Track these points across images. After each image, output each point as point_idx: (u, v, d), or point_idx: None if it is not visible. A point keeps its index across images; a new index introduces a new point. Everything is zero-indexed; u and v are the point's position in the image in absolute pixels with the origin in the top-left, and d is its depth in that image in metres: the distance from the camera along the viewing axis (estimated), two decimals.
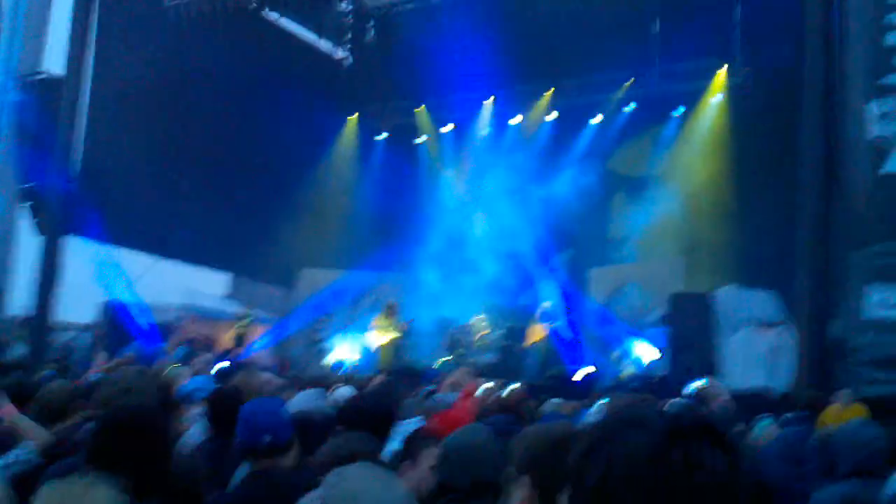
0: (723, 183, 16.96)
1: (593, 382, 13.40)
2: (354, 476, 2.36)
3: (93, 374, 9.15)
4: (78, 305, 16.14)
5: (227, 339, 17.42)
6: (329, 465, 2.69)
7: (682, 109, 18.61)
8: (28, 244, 16.49)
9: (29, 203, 17.04)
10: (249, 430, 3.61)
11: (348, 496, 2.25)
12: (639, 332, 16.85)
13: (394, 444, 4.44)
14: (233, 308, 18.66)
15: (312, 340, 19.06)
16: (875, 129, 12.07)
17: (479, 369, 13.93)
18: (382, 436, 4.18)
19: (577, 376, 14.03)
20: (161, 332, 16.93)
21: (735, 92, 17.91)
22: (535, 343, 15.99)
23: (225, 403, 4.74)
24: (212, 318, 18.25)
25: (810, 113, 12.90)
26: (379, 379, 11.80)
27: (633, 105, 19.15)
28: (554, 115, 20.06)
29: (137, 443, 2.78)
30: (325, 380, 9.48)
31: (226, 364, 14.52)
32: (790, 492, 3.73)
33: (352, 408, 4.53)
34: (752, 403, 8.84)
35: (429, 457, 3.60)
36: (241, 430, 3.65)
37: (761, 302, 13.40)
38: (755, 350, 12.55)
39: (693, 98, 18.48)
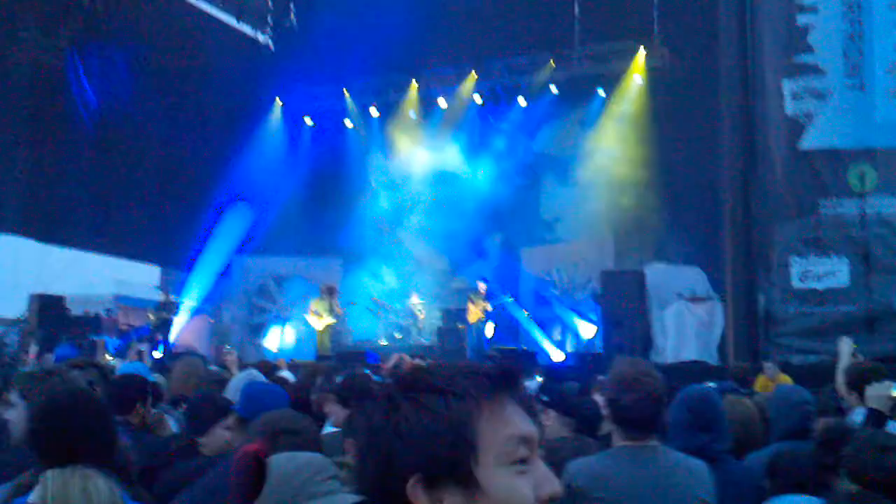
0: (646, 162, 17.29)
1: (531, 360, 13.60)
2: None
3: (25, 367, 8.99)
4: (5, 300, 15.74)
5: (153, 322, 17.08)
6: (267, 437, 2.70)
7: (603, 91, 18.84)
8: None
9: None
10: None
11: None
12: (575, 309, 17.19)
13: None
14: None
15: (249, 326, 18.96)
16: (790, 106, 12.49)
17: (418, 351, 14.07)
18: None
19: (521, 350, 14.25)
20: (93, 323, 16.62)
21: (654, 72, 18.24)
22: (473, 323, 16.13)
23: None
24: (144, 308, 17.95)
25: (728, 90, 13.26)
26: (320, 364, 11.83)
27: (555, 88, 19.33)
28: (478, 98, 20.14)
29: (78, 422, 2.78)
30: (266, 365, 9.45)
31: (160, 354, 14.45)
32: None
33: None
34: (686, 375, 9.09)
35: None
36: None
37: (689, 277, 13.74)
38: (686, 324, 12.88)
39: (614, 79, 18.72)
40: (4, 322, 15.92)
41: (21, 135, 16.82)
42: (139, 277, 19.21)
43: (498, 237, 19.70)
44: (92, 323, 16.73)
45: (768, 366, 9.84)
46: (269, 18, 22.99)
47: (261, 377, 4.93)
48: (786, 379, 9.32)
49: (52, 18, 17.22)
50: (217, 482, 2.97)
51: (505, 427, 1.27)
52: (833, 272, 11.86)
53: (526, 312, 17.68)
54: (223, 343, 18.25)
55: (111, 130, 17.93)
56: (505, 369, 1.32)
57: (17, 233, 16.77)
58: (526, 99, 19.64)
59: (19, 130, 16.80)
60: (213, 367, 9.13)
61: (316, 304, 16.22)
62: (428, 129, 20.79)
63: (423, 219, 20.11)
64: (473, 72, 19.97)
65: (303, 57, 21.65)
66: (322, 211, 19.92)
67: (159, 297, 17.57)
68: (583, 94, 18.94)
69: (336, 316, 16.21)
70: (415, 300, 18.66)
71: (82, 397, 2.94)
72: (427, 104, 20.84)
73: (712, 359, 12.31)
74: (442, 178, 20.45)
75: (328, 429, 4.81)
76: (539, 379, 8.31)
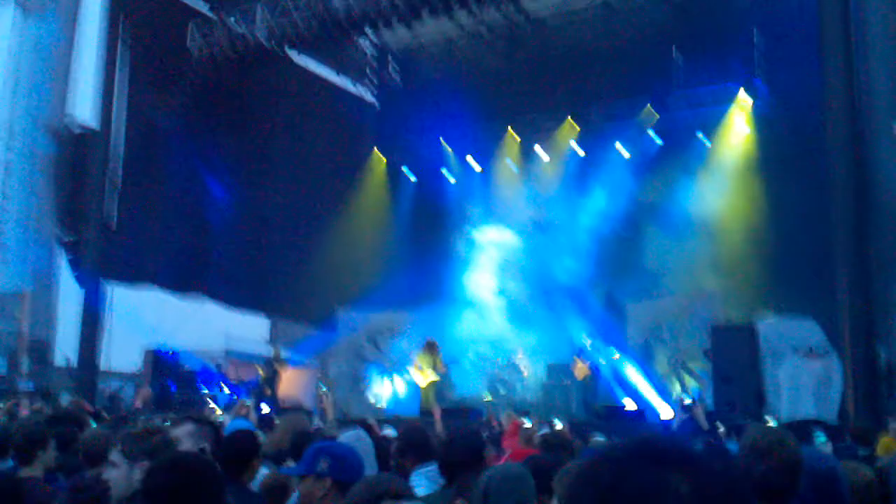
0: (753, 209, 16.74)
1: (640, 418, 13.26)
2: None
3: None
4: (122, 353, 16.26)
5: (262, 376, 17.34)
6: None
7: (705, 136, 18.41)
8: (70, 295, 16.66)
9: (69, 256, 17.27)
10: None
11: None
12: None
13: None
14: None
15: (354, 382, 19.06)
16: None
17: (523, 408, 13.88)
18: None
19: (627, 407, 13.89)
20: (204, 377, 16.99)
21: (758, 114, 17.77)
22: (581, 379, 15.85)
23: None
24: (253, 362, 18.28)
25: (837, 133, 12.73)
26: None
27: (656, 135, 19.01)
28: (576, 145, 19.98)
29: (191, 485, 2.82)
30: (367, 422, 9.47)
31: (267, 409, 14.64)
32: None
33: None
34: (802, 435, 8.71)
35: None
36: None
37: (804, 330, 13.17)
38: (802, 380, 12.34)
39: (715, 122, 18.32)
40: (121, 377, 16.42)
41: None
42: (249, 331, 19.58)
43: (602, 290, 19.24)
44: (203, 377, 17.13)
45: (892, 424, 9.32)
46: (372, 74, 23.50)
47: (367, 438, 4.86)
48: None
49: (166, 82, 17.96)
50: None
51: None
52: None
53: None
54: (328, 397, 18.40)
55: (217, 185, 18.45)
56: None
57: (130, 286, 17.33)
58: (626, 147, 19.37)
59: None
60: (318, 422, 9.21)
61: (420, 359, 16.20)
62: (527, 178, 20.75)
63: (526, 271, 19.92)
64: (570, 118, 19.89)
65: (405, 111, 22.00)
66: (425, 263, 19.97)
67: (268, 351, 17.86)
68: (685, 141, 18.54)
69: (439, 374, 16.15)
70: (520, 355, 18.43)
71: (199, 462, 2.98)
72: (525, 152, 20.83)
73: (831, 417, 11.73)
74: (542, 229, 20.25)
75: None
76: None
